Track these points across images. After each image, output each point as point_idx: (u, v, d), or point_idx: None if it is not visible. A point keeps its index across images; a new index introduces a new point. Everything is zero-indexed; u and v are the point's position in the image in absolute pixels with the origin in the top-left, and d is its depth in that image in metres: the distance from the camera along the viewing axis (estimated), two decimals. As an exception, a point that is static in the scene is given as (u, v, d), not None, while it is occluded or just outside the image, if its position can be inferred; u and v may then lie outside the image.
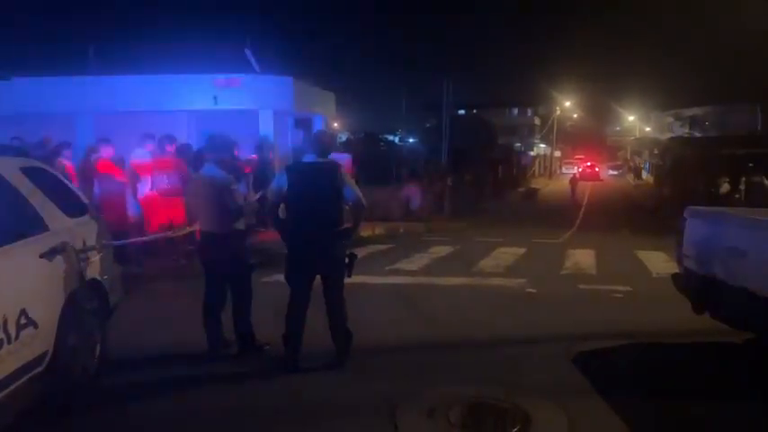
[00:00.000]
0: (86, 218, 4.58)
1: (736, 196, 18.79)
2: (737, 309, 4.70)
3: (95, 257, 4.44)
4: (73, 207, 4.45)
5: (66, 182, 4.71)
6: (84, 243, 4.27)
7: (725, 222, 5.06)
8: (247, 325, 4.98)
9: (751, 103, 35.77)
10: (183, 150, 8.73)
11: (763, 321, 4.44)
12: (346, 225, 4.73)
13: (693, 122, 38.54)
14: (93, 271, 4.39)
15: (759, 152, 24.38)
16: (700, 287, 5.15)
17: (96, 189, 8.52)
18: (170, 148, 8.41)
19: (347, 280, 4.82)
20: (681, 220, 5.54)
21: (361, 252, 10.88)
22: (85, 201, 4.77)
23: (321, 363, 4.72)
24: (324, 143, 4.78)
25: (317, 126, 15.93)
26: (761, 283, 4.36)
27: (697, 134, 36.52)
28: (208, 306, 4.99)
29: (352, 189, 4.66)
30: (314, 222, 4.61)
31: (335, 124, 45.01)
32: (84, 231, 4.37)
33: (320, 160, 4.72)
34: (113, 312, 4.82)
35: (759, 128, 32.50)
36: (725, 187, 20.29)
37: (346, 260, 4.73)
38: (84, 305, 4.15)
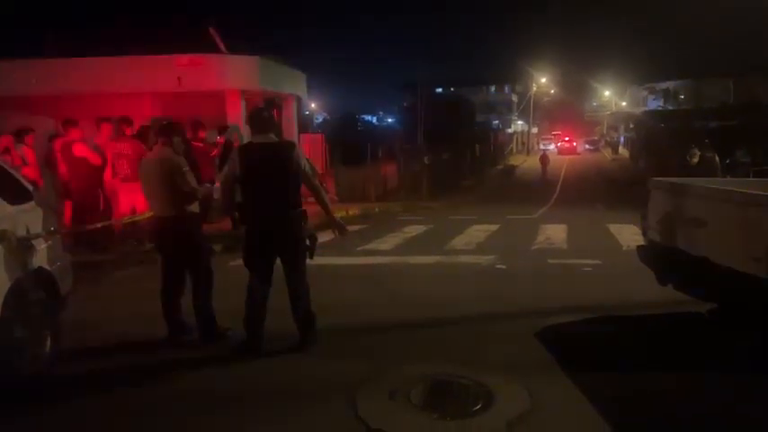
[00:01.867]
0: (31, 205, 4.39)
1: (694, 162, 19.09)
2: (699, 279, 4.69)
3: (42, 245, 4.27)
4: (15, 194, 4.26)
5: (7, 168, 4.51)
6: (28, 231, 4.10)
7: (685, 193, 5.04)
8: (207, 310, 4.86)
9: (723, 77, 36.15)
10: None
11: (723, 291, 4.44)
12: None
13: (667, 96, 38.87)
14: (40, 259, 4.22)
15: (730, 124, 24.68)
16: (663, 258, 5.14)
17: (65, 174, 8.28)
18: (128, 132, 8.16)
19: (313, 261, 4.73)
20: (645, 191, 5.51)
21: (333, 233, 10.92)
22: (29, 187, 4.56)
23: (284, 346, 4.64)
24: (261, 120, 4.56)
25: (289, 106, 15.71)
26: (720, 252, 4.35)
27: (671, 107, 36.85)
28: (165, 291, 4.88)
29: (307, 170, 4.51)
30: (269, 204, 4.47)
31: (312, 104, 44.55)
32: (27, 219, 4.19)
33: (273, 140, 4.55)
34: (65, 301, 4.65)
35: (731, 100, 32.88)
36: (696, 158, 20.49)
37: (307, 242, 4.62)
38: (30, 295, 3.99)
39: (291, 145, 4.62)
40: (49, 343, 4.26)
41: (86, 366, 4.44)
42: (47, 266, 4.29)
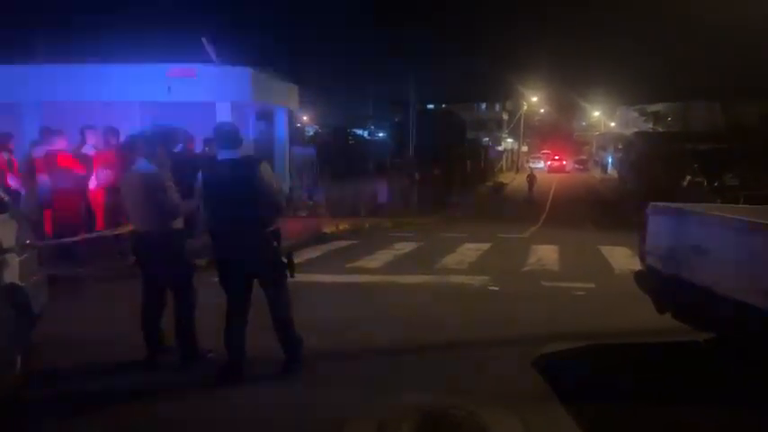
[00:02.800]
0: (4, 217, 4.17)
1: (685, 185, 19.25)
2: (701, 310, 4.55)
3: (15, 260, 4.04)
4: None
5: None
6: (0, 244, 3.87)
7: (688, 219, 4.91)
8: (189, 331, 4.63)
9: (712, 101, 36.56)
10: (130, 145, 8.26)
11: (728, 323, 4.30)
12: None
13: (657, 118, 39.22)
14: (12, 275, 3.99)
15: (719, 147, 24.88)
16: (663, 286, 5.00)
17: (48, 183, 8.03)
18: (114, 141, 7.95)
19: (300, 279, 4.53)
20: (643, 216, 5.39)
21: (321, 249, 10.77)
22: (5, 198, 4.34)
23: (269, 370, 4.42)
24: (224, 135, 4.34)
25: (280, 118, 15.55)
26: (725, 283, 4.22)
27: (660, 129, 37.19)
28: (145, 310, 4.66)
29: (272, 187, 4.29)
30: (233, 223, 4.26)
31: (305, 117, 44.44)
32: (0, 231, 3.96)
33: (236, 157, 4.31)
34: (38, 319, 4.42)
35: (719, 124, 33.23)
36: (685, 182, 20.63)
37: (284, 260, 4.40)
38: (-1, 313, 3.76)
39: (256, 161, 4.38)
40: (18, 364, 4.03)
41: (58, 389, 4.23)
42: (19, 282, 4.06)
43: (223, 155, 4.33)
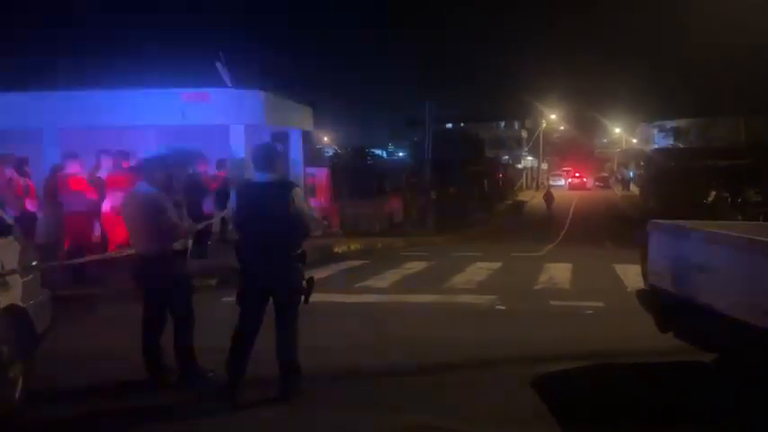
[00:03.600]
0: (8, 239, 4.29)
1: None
2: (703, 329, 4.47)
3: (17, 282, 4.15)
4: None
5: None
6: (3, 266, 3.99)
7: (689, 237, 4.85)
8: (188, 352, 4.67)
9: (734, 116, 36.00)
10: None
11: (729, 343, 4.21)
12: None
13: (677, 134, 38.72)
14: (14, 296, 4.09)
15: (740, 163, 24.46)
16: (664, 304, 4.92)
17: (64, 206, 8.25)
18: (125, 165, 8.14)
19: (306, 305, 4.52)
20: (644, 233, 5.33)
21: (332, 269, 10.80)
22: (9, 221, 4.47)
23: (269, 392, 4.40)
24: (260, 157, 4.43)
25: (295, 140, 15.75)
26: (727, 302, 4.14)
27: (681, 145, 36.69)
28: (146, 331, 4.72)
29: (301, 211, 4.33)
30: (264, 246, 4.31)
31: (325, 138, 44.94)
32: (3, 254, 4.08)
33: (271, 179, 4.39)
34: (41, 340, 4.51)
35: (741, 140, 32.67)
36: (711, 197, 20.26)
37: (304, 284, 4.42)
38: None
39: (290, 185, 4.45)
40: (20, 385, 4.11)
41: (59, 409, 4.27)
42: (21, 303, 4.15)
43: (258, 177, 4.42)
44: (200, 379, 4.65)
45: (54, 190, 8.60)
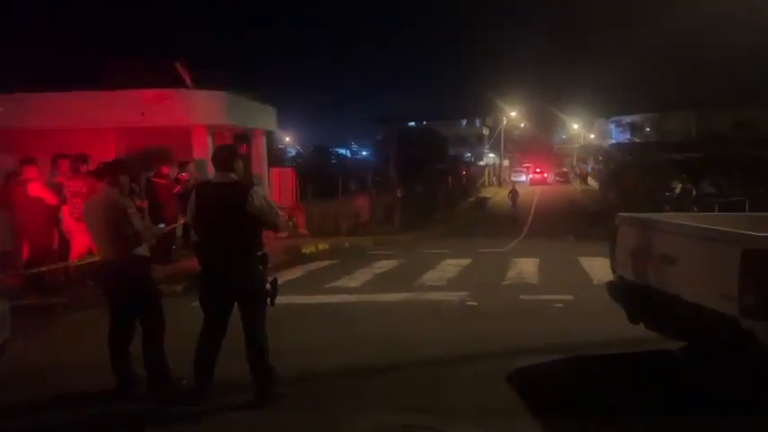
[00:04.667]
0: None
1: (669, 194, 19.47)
2: (670, 318, 4.57)
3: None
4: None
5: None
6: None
7: (654, 229, 4.96)
8: (158, 359, 4.54)
9: (686, 111, 37.30)
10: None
11: (695, 330, 4.33)
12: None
13: (633, 129, 39.90)
14: (-28, 308, 3.90)
15: (694, 156, 25.31)
16: (634, 296, 5.03)
17: (21, 214, 7.91)
18: (84, 169, 7.86)
19: (278, 300, 4.44)
20: (612, 227, 5.43)
21: (301, 270, 10.69)
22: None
23: (239, 399, 4.32)
24: (220, 158, 4.35)
25: (258, 140, 15.53)
26: (691, 290, 4.25)
27: (637, 140, 37.78)
28: (113, 339, 4.56)
29: (265, 208, 4.28)
30: (223, 247, 4.23)
31: (287, 138, 44.59)
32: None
33: (228, 179, 4.31)
34: (2, 350, 4.31)
35: (694, 133, 33.86)
36: (678, 189, 20.77)
37: (268, 286, 4.36)
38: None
39: (249, 185, 4.40)
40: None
41: (26, 421, 4.12)
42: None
43: (216, 177, 4.33)
44: (171, 386, 4.53)
45: (9, 197, 8.24)
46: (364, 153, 63.26)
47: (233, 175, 4.33)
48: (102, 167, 4.74)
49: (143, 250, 4.49)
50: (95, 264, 4.65)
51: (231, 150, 4.53)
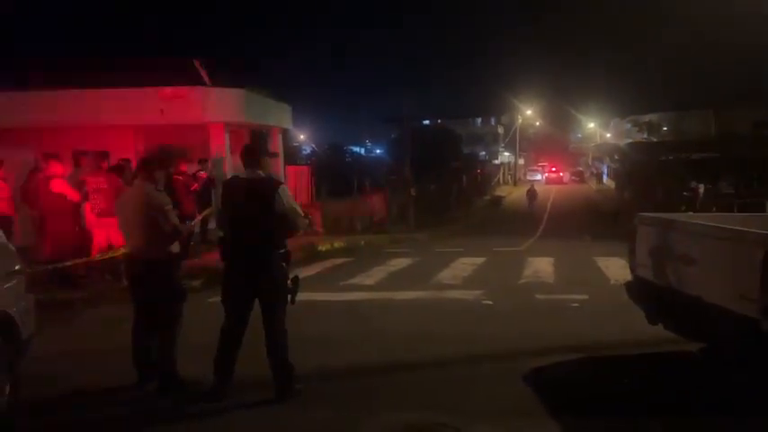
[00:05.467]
0: (-8, 244, 4.18)
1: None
2: (690, 319, 4.55)
3: (2, 286, 4.04)
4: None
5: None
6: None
7: (674, 229, 4.93)
8: (172, 355, 4.52)
9: (705, 110, 36.78)
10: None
11: (714, 331, 4.30)
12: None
13: (651, 128, 39.43)
14: (1, 302, 3.98)
15: (712, 156, 24.98)
16: (653, 297, 5.00)
17: (43, 209, 8.05)
18: (105, 165, 7.98)
19: (292, 304, 4.49)
20: (632, 227, 5.41)
21: (316, 267, 10.74)
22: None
23: (260, 395, 4.36)
24: (249, 154, 4.41)
25: (274, 138, 15.63)
26: (712, 291, 4.22)
27: (654, 139, 37.36)
28: (137, 335, 4.60)
29: (289, 208, 4.33)
30: (248, 242, 4.28)
31: (301, 136, 44.74)
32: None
33: (256, 175, 4.36)
34: (27, 346, 4.39)
35: (713, 132, 33.40)
36: (701, 189, 20.48)
37: (289, 284, 4.40)
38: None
39: (276, 182, 4.44)
40: (6, 393, 4.00)
41: (45, 418, 4.18)
42: (6, 309, 4.05)
43: (245, 173, 4.39)
44: (180, 384, 4.51)
45: (31, 192, 8.39)
46: (378, 151, 63.30)
47: (261, 172, 4.39)
48: (139, 163, 4.71)
49: (175, 247, 4.54)
50: (126, 260, 4.65)
51: (260, 147, 4.59)
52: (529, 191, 29.78)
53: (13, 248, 4.47)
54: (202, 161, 11.14)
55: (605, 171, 50.35)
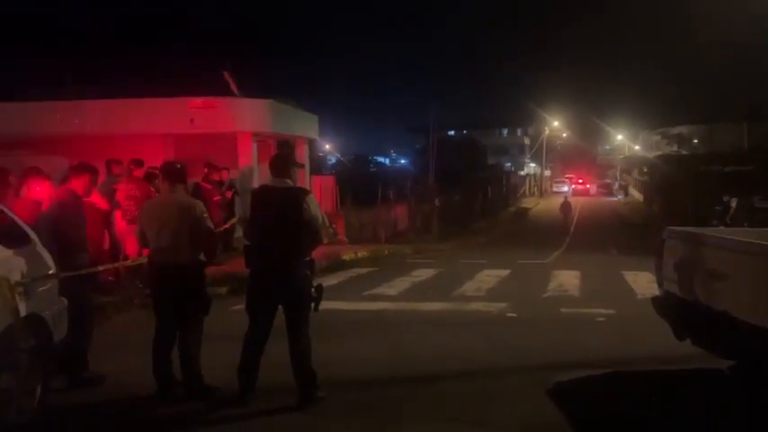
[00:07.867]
0: (28, 248, 4.30)
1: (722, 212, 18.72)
2: (719, 335, 4.45)
3: (37, 290, 4.16)
4: (12, 237, 4.18)
5: (5, 211, 4.43)
6: (23, 275, 4.00)
7: (704, 244, 4.84)
8: (197, 362, 4.57)
9: (737, 122, 36.08)
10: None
11: (745, 348, 4.20)
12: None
13: (681, 141, 38.80)
14: (34, 305, 4.10)
15: (744, 169, 24.43)
16: (681, 312, 4.91)
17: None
18: (137, 173, 8.16)
19: (316, 312, 4.52)
20: (659, 240, 5.33)
21: (340, 276, 10.79)
22: (28, 231, 4.47)
23: (283, 403, 4.38)
24: (278, 163, 4.50)
25: (301, 148, 15.80)
26: (742, 307, 4.13)
27: (684, 152, 36.73)
28: (159, 342, 4.60)
29: (314, 217, 4.37)
30: (275, 250, 4.33)
31: (327, 146, 45.11)
32: (23, 263, 4.09)
33: (285, 184, 4.43)
34: (59, 349, 4.50)
35: (745, 145, 32.69)
36: (734, 204, 19.97)
37: (313, 292, 4.44)
38: (19, 343, 3.86)
39: (305, 192, 4.51)
40: (38, 395, 4.10)
41: (73, 421, 4.26)
42: (40, 312, 4.17)
43: (273, 182, 4.47)
44: (206, 390, 4.54)
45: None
46: (403, 161, 63.35)
47: (289, 181, 4.46)
48: (174, 170, 4.75)
49: (202, 255, 4.62)
50: (152, 266, 4.70)
51: (289, 157, 4.67)
52: (563, 204, 28.03)
53: (48, 253, 4.59)
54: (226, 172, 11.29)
55: (630, 184, 49.69)
